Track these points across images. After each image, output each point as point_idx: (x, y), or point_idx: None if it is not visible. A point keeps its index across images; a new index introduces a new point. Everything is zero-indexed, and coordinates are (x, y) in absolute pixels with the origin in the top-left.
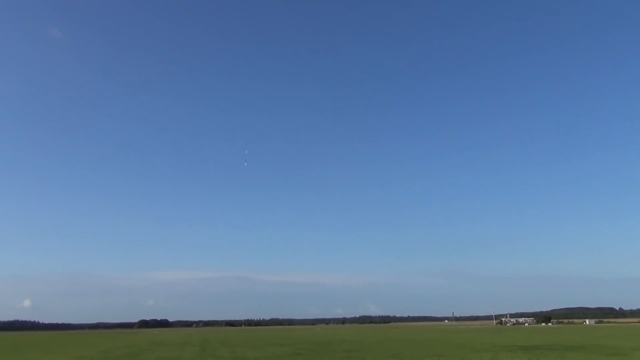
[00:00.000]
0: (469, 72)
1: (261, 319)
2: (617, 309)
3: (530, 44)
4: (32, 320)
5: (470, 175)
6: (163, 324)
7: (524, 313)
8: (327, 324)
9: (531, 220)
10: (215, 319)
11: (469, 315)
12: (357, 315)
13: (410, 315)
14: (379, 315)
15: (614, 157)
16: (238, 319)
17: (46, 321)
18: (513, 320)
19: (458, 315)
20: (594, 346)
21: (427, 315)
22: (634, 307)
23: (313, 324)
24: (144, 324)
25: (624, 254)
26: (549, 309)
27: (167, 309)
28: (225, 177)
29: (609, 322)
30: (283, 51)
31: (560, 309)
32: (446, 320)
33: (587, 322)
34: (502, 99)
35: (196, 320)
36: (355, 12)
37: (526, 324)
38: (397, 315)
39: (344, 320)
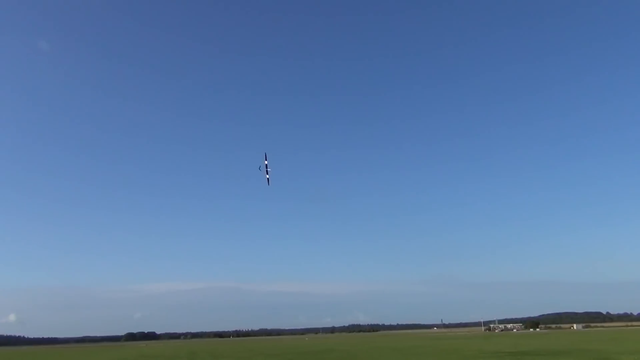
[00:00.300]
0: (459, 80)
1: (250, 329)
2: (605, 313)
3: (521, 52)
4: (17, 335)
5: (459, 183)
6: (150, 336)
7: (512, 319)
8: (316, 333)
9: (519, 227)
10: (204, 330)
11: (458, 322)
12: (347, 324)
13: (400, 323)
14: (368, 324)
15: (601, 163)
16: (227, 330)
17: (32, 335)
18: (501, 326)
19: (447, 322)
20: (581, 351)
21: (416, 322)
22: (621, 311)
23: (302, 334)
24: (131, 337)
25: (611, 259)
26: (537, 315)
27: (154, 321)
28: (213, 188)
29: (597, 327)
30: (264, 59)
31: (549, 315)
32: (435, 328)
33: (575, 327)
34: (491, 108)
35: (184, 332)
36: (326, 22)
37: (514, 330)
38: (386, 324)
39: (333, 330)
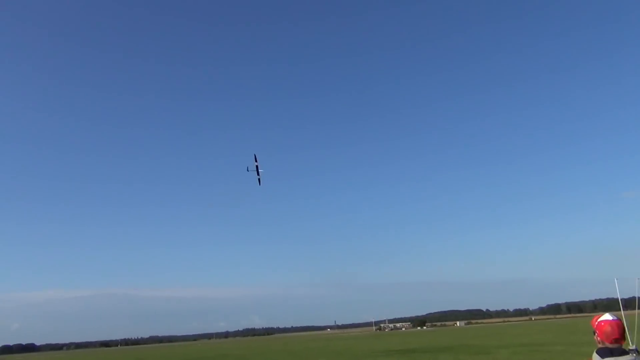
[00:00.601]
0: (344, 86)
1: (140, 337)
2: (484, 310)
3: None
4: None
5: (351, 189)
6: (29, 348)
7: (401, 318)
8: (210, 338)
9: (407, 230)
10: (89, 340)
11: (351, 322)
12: (241, 329)
13: (294, 325)
14: (263, 327)
15: (482, 170)
16: (114, 338)
17: None
18: (391, 325)
19: (340, 323)
20: (463, 346)
21: (310, 324)
22: (499, 308)
23: (195, 340)
24: (7, 349)
25: (489, 259)
26: (424, 313)
27: (34, 332)
28: (103, 193)
29: (477, 323)
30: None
31: (435, 313)
32: (329, 329)
33: (458, 324)
34: (386, 115)
35: (67, 342)
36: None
37: (403, 329)
38: (281, 327)
39: (226, 334)
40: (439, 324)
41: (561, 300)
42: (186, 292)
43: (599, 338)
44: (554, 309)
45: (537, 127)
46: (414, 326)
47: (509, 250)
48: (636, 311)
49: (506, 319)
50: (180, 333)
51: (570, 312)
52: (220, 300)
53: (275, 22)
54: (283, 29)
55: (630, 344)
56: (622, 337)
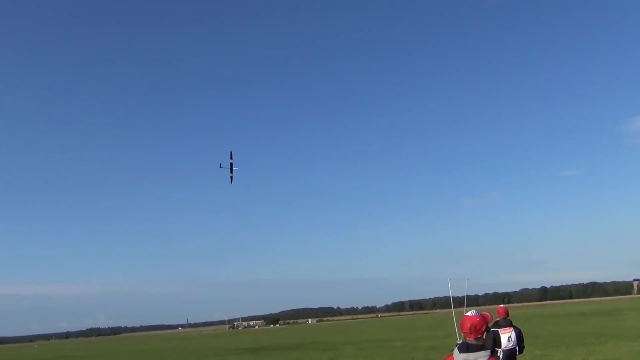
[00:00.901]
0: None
1: None
2: (335, 308)
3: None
4: None
5: (206, 188)
6: None
7: (255, 316)
8: (49, 339)
9: (263, 228)
10: None
11: (204, 321)
12: (84, 328)
13: (143, 324)
14: (109, 327)
15: (335, 173)
16: None
17: None
18: (245, 323)
19: (192, 322)
20: (313, 343)
21: (161, 323)
22: (349, 306)
23: (31, 341)
24: None
25: (341, 259)
26: (277, 311)
27: None
28: None
29: (328, 320)
30: None
31: (288, 311)
32: (180, 328)
33: (310, 322)
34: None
35: None
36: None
37: (256, 327)
38: (128, 326)
39: (67, 335)
40: (291, 321)
41: (405, 298)
42: (24, 290)
43: (462, 333)
44: (399, 307)
45: (378, 137)
46: (268, 324)
47: (359, 251)
48: (464, 308)
49: (355, 316)
50: (14, 334)
51: (412, 310)
52: (63, 299)
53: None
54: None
55: (458, 339)
56: (479, 332)
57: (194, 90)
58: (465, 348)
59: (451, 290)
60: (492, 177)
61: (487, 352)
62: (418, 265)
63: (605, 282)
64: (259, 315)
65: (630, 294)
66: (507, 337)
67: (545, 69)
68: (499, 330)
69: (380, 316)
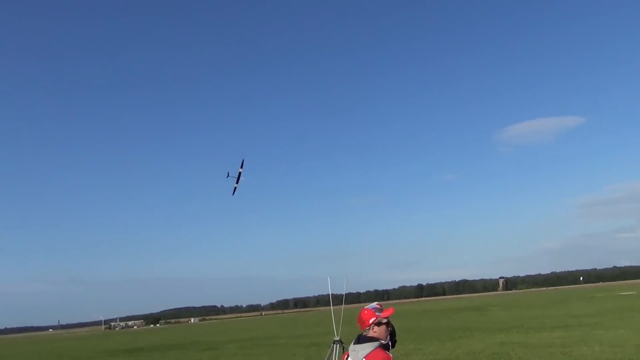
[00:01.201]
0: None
1: None
2: (219, 306)
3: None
4: None
5: (85, 190)
6: None
7: (134, 316)
8: None
9: (140, 226)
10: None
11: (78, 322)
12: None
13: (8, 327)
14: None
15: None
16: None
17: None
18: (122, 324)
19: (65, 323)
20: (194, 343)
21: (28, 325)
22: (232, 304)
23: None
24: None
25: (224, 257)
26: (158, 311)
27: None
28: None
29: (212, 320)
30: None
31: (169, 310)
32: (51, 330)
33: (192, 321)
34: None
35: None
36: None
37: (135, 327)
38: None
39: None
40: (173, 320)
41: (290, 296)
42: None
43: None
44: (283, 305)
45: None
46: (147, 324)
47: (244, 249)
48: (342, 306)
49: (239, 315)
50: None
51: (297, 307)
52: None
53: None
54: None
55: (336, 335)
56: (366, 324)
57: None
58: (357, 340)
59: (330, 288)
60: (374, 179)
61: (374, 344)
62: (303, 264)
63: (474, 280)
64: (138, 315)
65: (496, 290)
66: None
67: (424, 87)
68: None
69: (265, 314)
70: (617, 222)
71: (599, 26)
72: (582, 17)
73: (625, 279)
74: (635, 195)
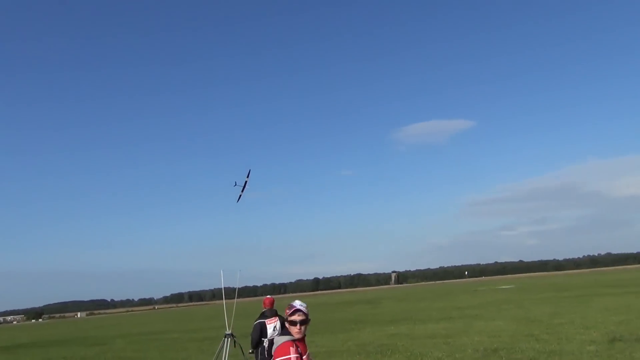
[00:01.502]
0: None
1: None
2: (109, 300)
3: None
4: None
5: None
6: None
7: (13, 310)
8: None
9: (27, 214)
10: None
11: None
12: None
13: None
14: None
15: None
16: None
17: None
18: (1, 319)
19: None
20: (80, 338)
21: None
22: (124, 298)
23: None
24: None
25: (113, 249)
26: (41, 305)
27: None
28: None
29: (100, 314)
30: None
31: (54, 304)
32: None
33: (79, 315)
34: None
35: None
36: None
37: (15, 322)
38: None
39: None
40: (58, 315)
41: (184, 289)
42: None
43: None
44: (177, 298)
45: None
46: (29, 319)
47: (135, 241)
48: (235, 300)
49: (131, 309)
50: None
51: (192, 301)
52: None
53: None
54: None
55: (227, 329)
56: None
57: None
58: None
59: (223, 282)
60: (274, 172)
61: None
62: (197, 257)
63: (368, 274)
64: (18, 310)
65: (389, 284)
66: (272, 326)
67: (327, 87)
68: (266, 320)
69: (158, 308)
70: (500, 221)
71: (489, 41)
72: (475, 31)
73: (506, 274)
74: (518, 196)
